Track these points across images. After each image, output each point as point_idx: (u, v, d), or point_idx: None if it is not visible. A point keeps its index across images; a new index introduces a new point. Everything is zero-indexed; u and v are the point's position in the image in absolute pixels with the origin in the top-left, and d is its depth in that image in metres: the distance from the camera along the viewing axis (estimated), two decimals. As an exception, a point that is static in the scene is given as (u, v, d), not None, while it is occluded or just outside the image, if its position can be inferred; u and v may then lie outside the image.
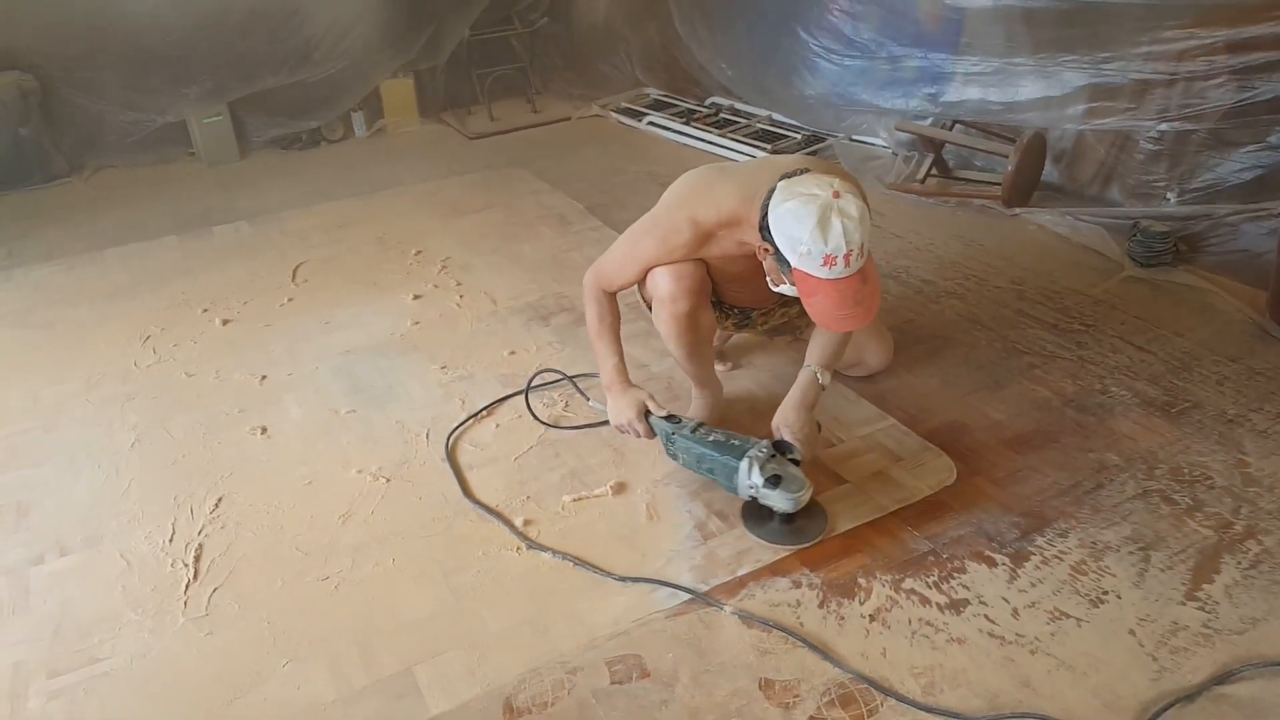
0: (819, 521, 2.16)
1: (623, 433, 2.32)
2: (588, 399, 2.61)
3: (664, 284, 2.20)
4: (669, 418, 2.23)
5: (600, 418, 2.50)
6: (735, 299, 2.44)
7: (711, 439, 2.15)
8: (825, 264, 1.86)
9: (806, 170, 2.00)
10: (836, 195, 1.87)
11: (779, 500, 2.06)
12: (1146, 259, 3.23)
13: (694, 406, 2.52)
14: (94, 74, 4.66)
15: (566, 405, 2.64)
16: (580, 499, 2.27)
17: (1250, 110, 3.07)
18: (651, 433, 2.26)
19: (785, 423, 2.24)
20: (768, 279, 2.10)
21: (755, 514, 2.17)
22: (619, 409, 2.27)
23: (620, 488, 2.31)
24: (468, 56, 5.58)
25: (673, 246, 2.16)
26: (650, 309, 2.37)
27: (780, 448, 2.14)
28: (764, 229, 1.95)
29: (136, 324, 3.22)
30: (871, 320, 2.06)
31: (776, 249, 1.93)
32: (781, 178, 1.96)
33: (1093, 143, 3.64)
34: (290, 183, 4.65)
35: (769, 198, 1.95)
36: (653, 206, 2.24)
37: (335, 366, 2.91)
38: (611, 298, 2.30)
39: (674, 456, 2.25)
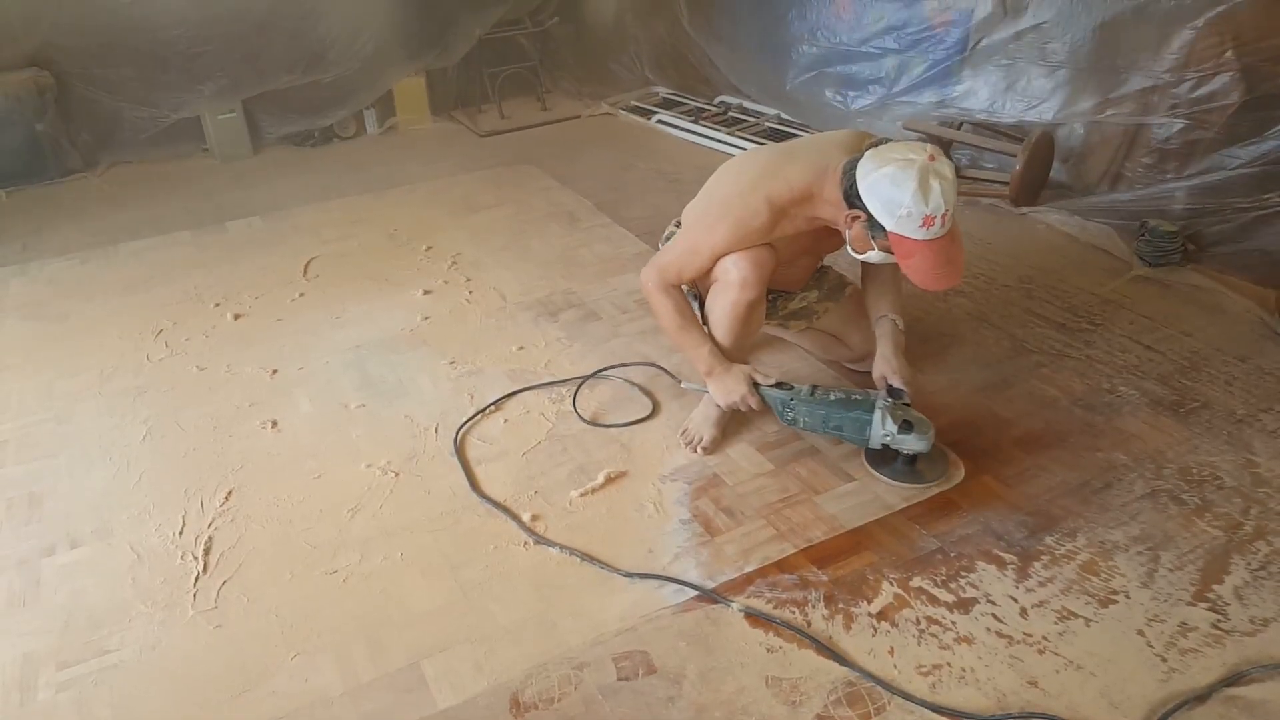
0: (941, 461, 2.29)
1: (732, 410, 2.36)
2: (679, 381, 2.60)
3: (738, 269, 2.22)
4: (779, 385, 2.29)
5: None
6: (774, 282, 2.47)
7: (832, 398, 2.24)
8: (924, 225, 1.94)
9: (887, 139, 2.09)
10: (932, 159, 1.95)
11: (914, 443, 2.18)
12: (1155, 258, 3.22)
13: (706, 400, 2.50)
14: (110, 70, 4.67)
15: (572, 402, 2.64)
16: (586, 493, 2.27)
17: (1261, 106, 3.05)
18: (762, 404, 2.31)
19: (891, 370, 2.35)
20: (848, 247, 2.17)
21: (879, 457, 2.28)
22: (729, 387, 2.32)
23: (616, 478, 2.32)
24: (479, 55, 5.59)
25: (749, 230, 2.18)
26: (697, 300, 2.39)
27: (892, 394, 2.27)
28: (851, 197, 2.03)
29: (149, 318, 3.24)
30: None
31: (869, 215, 2.01)
32: (867, 147, 2.05)
33: (1101, 141, 3.63)
34: (303, 179, 4.67)
35: (852, 167, 2.03)
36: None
37: (345, 361, 2.92)
38: (680, 289, 2.32)
39: (793, 422, 2.30)
